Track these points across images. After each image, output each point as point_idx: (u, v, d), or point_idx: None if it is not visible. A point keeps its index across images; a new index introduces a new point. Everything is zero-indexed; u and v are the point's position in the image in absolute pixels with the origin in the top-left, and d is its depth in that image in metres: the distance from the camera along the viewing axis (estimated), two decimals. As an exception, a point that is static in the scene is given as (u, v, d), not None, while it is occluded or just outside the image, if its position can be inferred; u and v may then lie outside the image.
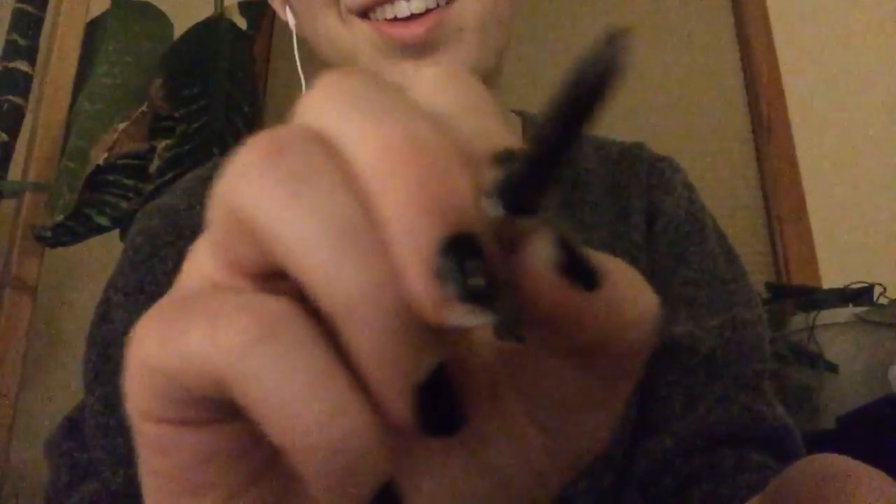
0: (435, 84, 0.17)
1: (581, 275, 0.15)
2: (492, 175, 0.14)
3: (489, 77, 0.48)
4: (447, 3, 0.43)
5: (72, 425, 0.47)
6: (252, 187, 0.14)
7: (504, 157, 0.15)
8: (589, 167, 0.55)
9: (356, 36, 0.44)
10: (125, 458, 0.43)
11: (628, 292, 0.16)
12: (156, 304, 0.16)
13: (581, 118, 0.13)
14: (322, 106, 0.15)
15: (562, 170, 0.14)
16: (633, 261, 0.49)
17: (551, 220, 0.15)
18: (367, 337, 0.13)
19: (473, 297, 0.13)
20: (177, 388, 0.15)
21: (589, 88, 0.12)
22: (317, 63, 0.52)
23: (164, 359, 0.15)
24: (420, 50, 0.43)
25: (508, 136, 0.16)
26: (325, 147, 0.15)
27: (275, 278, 0.15)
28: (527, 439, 0.18)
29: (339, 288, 0.13)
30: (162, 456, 0.16)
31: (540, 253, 0.15)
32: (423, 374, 0.14)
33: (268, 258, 0.14)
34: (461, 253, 0.13)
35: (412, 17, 0.42)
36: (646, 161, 0.56)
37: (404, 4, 0.42)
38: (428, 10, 0.42)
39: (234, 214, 0.15)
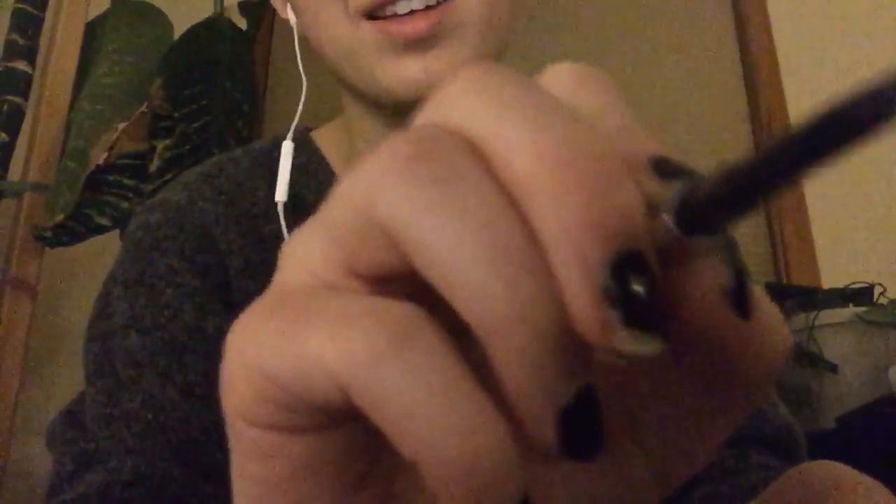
0: (574, 80, 0.15)
1: (742, 301, 0.14)
2: (665, 188, 0.13)
3: None
4: (447, 0, 0.43)
5: (72, 416, 0.47)
6: (395, 192, 0.13)
7: (668, 169, 0.14)
8: None
9: (360, 35, 0.44)
10: (132, 448, 0.43)
11: (772, 324, 0.15)
12: (258, 300, 0.15)
13: (824, 153, 0.11)
14: (467, 103, 0.14)
15: (766, 199, 0.12)
16: None
17: (726, 240, 0.14)
18: (516, 358, 0.13)
19: (645, 321, 0.12)
20: (289, 394, 0.14)
21: (847, 125, 0.11)
22: (317, 62, 0.52)
23: (277, 363, 0.14)
24: (422, 45, 0.43)
25: (654, 140, 0.15)
26: (473, 151, 0.13)
27: (390, 281, 0.14)
28: (629, 460, 0.18)
29: (491, 306, 0.12)
30: (261, 463, 0.15)
31: (713, 276, 0.14)
32: (571, 398, 0.13)
33: (397, 264, 0.13)
34: (630, 273, 0.12)
35: (414, 14, 0.43)
36: None
37: (404, 3, 0.43)
38: (429, 7, 0.43)
39: (369, 218, 0.13)
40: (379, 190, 0.13)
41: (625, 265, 0.12)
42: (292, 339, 0.14)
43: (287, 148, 0.54)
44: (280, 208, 0.52)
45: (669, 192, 0.13)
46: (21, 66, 1.18)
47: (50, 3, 1.23)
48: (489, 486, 0.13)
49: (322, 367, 0.13)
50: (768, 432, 0.45)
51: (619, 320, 0.12)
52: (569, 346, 0.13)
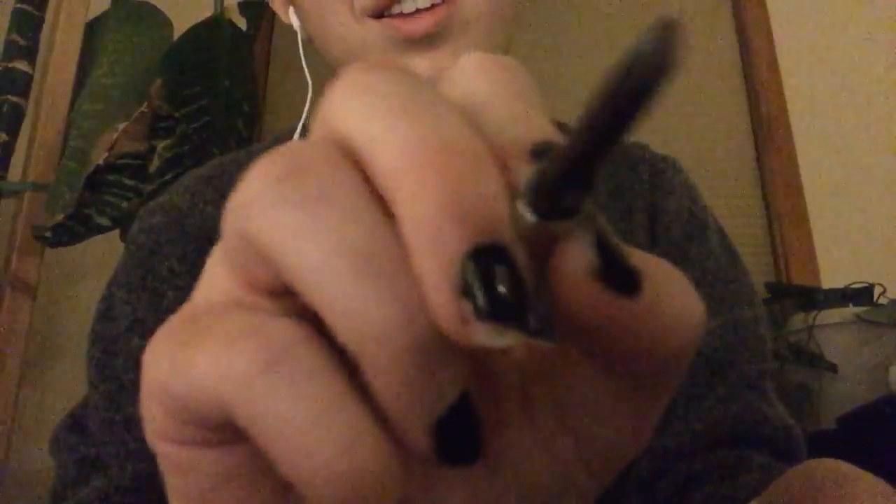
0: (476, 69, 0.15)
1: (621, 278, 0.13)
2: (527, 173, 0.13)
3: None
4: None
5: (75, 422, 0.47)
6: (264, 213, 0.13)
7: (542, 151, 0.14)
8: None
9: (367, 34, 0.44)
10: (133, 453, 0.43)
11: (672, 296, 0.14)
12: (168, 321, 0.15)
13: (628, 114, 0.11)
14: (344, 105, 0.14)
15: (601, 170, 0.12)
16: None
17: (588, 220, 0.13)
18: (387, 372, 0.13)
19: (502, 314, 0.12)
20: (188, 410, 0.14)
21: (640, 80, 0.11)
22: (320, 64, 0.52)
23: (174, 382, 0.14)
24: (427, 43, 0.44)
25: (550, 126, 0.15)
26: (346, 160, 0.13)
27: (295, 294, 0.14)
28: (557, 445, 0.17)
29: (357, 322, 0.12)
30: (181, 476, 0.16)
31: (576, 257, 0.13)
32: (446, 407, 0.13)
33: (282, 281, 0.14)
34: (489, 264, 0.12)
35: (419, 13, 0.43)
36: (648, 161, 0.56)
37: (410, 2, 0.43)
38: (433, 6, 0.43)
39: (247, 238, 0.14)
40: (249, 214, 0.13)
41: (485, 256, 0.12)
42: (183, 360, 0.14)
43: None
44: None
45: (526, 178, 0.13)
46: (21, 66, 1.18)
47: (50, 3, 1.23)
48: (365, 501, 0.13)
49: (205, 387, 0.13)
50: (768, 433, 0.45)
51: (472, 313, 0.12)
52: (439, 354, 0.13)
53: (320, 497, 0.13)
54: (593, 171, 0.12)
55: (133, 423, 0.44)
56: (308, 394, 0.13)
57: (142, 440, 0.44)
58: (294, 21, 0.53)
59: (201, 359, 0.13)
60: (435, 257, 0.12)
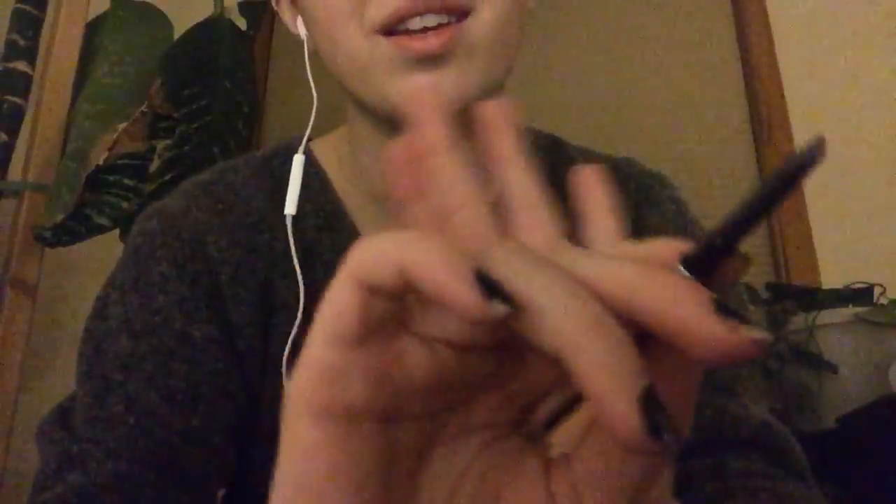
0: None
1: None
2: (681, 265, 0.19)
3: (495, 90, 0.49)
4: (458, 21, 0.44)
5: (63, 414, 0.48)
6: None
7: (685, 260, 0.19)
8: None
9: (374, 50, 0.45)
10: (113, 452, 0.44)
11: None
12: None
13: (772, 208, 0.18)
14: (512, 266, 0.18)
15: (737, 253, 0.18)
16: None
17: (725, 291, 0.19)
18: (597, 364, 0.17)
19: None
20: (377, 285, 0.18)
21: (784, 187, 0.17)
22: (320, 73, 0.52)
23: (368, 263, 0.18)
24: (433, 62, 0.44)
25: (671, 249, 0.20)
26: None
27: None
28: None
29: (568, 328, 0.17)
30: (305, 459, 0.18)
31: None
32: (643, 386, 0.16)
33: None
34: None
35: (426, 31, 0.43)
36: (635, 177, 0.56)
37: (417, 20, 0.43)
38: (441, 25, 0.43)
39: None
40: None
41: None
42: (373, 247, 0.18)
43: (298, 162, 0.55)
44: (288, 222, 0.53)
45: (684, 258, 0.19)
46: (21, 66, 1.17)
47: (50, 3, 1.23)
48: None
49: (388, 256, 0.18)
50: (745, 435, 0.45)
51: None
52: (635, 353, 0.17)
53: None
54: (736, 246, 0.18)
55: (114, 422, 0.45)
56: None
57: (120, 439, 0.45)
58: (301, 31, 0.53)
59: (381, 243, 0.18)
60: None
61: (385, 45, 0.44)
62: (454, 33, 0.43)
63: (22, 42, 1.18)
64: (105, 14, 1.29)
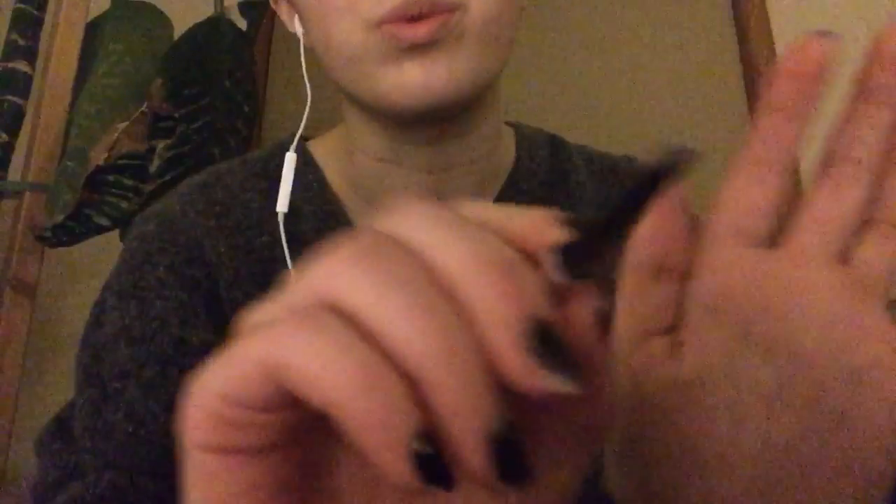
0: (482, 208, 0.20)
1: (604, 323, 0.19)
2: (552, 258, 0.19)
3: (488, 86, 0.49)
4: (449, 10, 0.44)
5: (61, 424, 0.48)
6: (346, 278, 0.17)
7: (557, 249, 0.19)
8: (580, 180, 0.55)
9: (367, 42, 0.45)
10: (111, 462, 0.43)
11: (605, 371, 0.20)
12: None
13: (638, 212, 0.18)
14: (404, 224, 0.18)
15: (615, 247, 0.18)
16: None
17: (600, 282, 0.19)
18: (444, 384, 0.16)
19: (565, 367, 0.17)
20: (233, 405, 0.17)
21: (648, 191, 0.17)
22: (318, 72, 0.52)
23: (225, 376, 0.17)
24: (423, 51, 0.44)
25: (547, 230, 0.19)
26: (406, 248, 0.18)
27: None
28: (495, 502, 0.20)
29: (420, 344, 0.16)
30: (208, 486, 0.18)
31: (588, 304, 0.18)
32: (495, 428, 0.16)
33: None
34: (544, 333, 0.17)
35: (417, 18, 0.43)
36: None
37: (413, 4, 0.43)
38: (433, 12, 0.43)
39: (321, 299, 0.17)
40: (332, 278, 0.17)
41: (539, 327, 0.17)
42: (235, 352, 0.17)
43: (290, 160, 0.55)
44: (280, 219, 0.52)
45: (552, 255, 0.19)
46: (21, 66, 1.17)
47: (50, 3, 1.23)
48: (388, 421, 0.16)
49: (255, 357, 0.17)
50: None
51: (540, 364, 0.16)
52: (489, 385, 0.16)
53: (345, 421, 0.16)
54: (606, 248, 0.18)
55: (113, 432, 0.45)
56: (336, 340, 0.16)
57: (119, 449, 0.45)
58: (298, 29, 0.53)
59: (251, 340, 0.17)
60: (506, 326, 0.16)
61: (376, 36, 0.44)
62: (444, 22, 0.43)
63: (22, 42, 1.18)
64: (105, 14, 1.29)
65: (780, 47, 1.76)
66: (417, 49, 0.44)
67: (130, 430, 0.44)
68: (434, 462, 0.16)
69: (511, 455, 0.16)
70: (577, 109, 1.76)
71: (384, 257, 0.17)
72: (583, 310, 0.18)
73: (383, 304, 0.16)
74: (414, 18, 0.43)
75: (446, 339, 0.16)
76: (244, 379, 0.17)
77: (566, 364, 0.16)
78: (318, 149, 0.58)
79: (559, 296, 0.18)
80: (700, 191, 0.56)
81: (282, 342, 0.16)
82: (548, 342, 0.17)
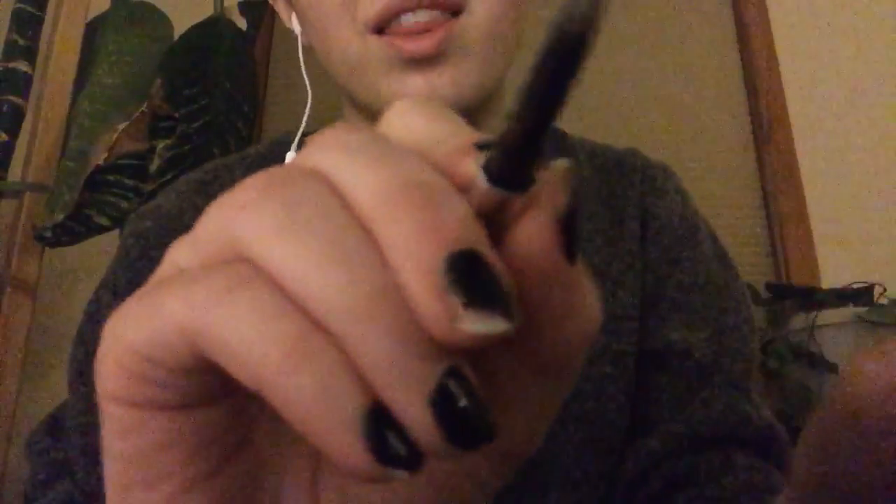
0: (407, 112, 0.18)
1: (569, 241, 0.16)
2: (481, 160, 0.15)
3: (493, 91, 0.48)
4: (452, 18, 0.43)
5: (53, 423, 0.48)
6: (251, 218, 0.15)
7: (484, 145, 0.16)
8: (584, 175, 0.55)
9: (367, 50, 0.44)
10: (101, 459, 0.43)
11: (587, 286, 0.17)
12: (131, 296, 0.17)
13: (562, 81, 0.13)
14: (321, 154, 0.16)
15: (546, 139, 0.14)
16: (629, 267, 0.49)
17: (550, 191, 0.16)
18: (371, 346, 0.14)
19: (490, 301, 0.14)
20: (149, 363, 0.15)
21: (567, 48, 0.13)
22: (318, 67, 0.52)
23: (139, 332, 0.15)
24: (428, 63, 0.43)
25: (473, 134, 0.17)
26: (322, 182, 0.16)
27: None
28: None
29: (337, 300, 0.14)
30: (124, 439, 0.17)
31: (539, 215, 0.15)
32: (437, 380, 0.14)
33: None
34: (469, 265, 0.14)
35: (419, 27, 0.43)
36: (639, 168, 0.56)
37: (410, 16, 0.43)
38: (433, 23, 0.43)
39: (229, 240, 0.15)
40: (238, 216, 0.15)
41: (462, 260, 0.14)
42: (152, 308, 0.15)
43: (289, 158, 0.54)
44: None
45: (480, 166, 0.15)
46: (21, 66, 1.17)
47: (50, 3, 1.23)
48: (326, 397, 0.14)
49: (171, 320, 0.15)
50: (750, 434, 0.45)
51: (462, 306, 0.14)
52: (422, 339, 0.14)
53: (284, 401, 0.14)
54: (540, 139, 0.14)
55: None
56: (261, 307, 0.14)
57: None
58: (295, 27, 0.53)
59: (168, 299, 0.15)
60: (419, 267, 0.14)
61: (377, 45, 0.44)
62: (447, 33, 0.43)
63: (22, 42, 1.18)
64: (105, 14, 1.29)
65: (780, 47, 1.76)
66: (422, 62, 0.43)
67: None
68: (392, 442, 0.14)
69: (464, 415, 0.14)
70: (577, 109, 1.76)
71: (294, 191, 0.15)
72: (538, 222, 0.15)
73: (291, 252, 0.14)
74: (411, 9, 0.42)
75: (363, 290, 0.14)
76: (161, 341, 0.15)
77: (496, 299, 0.14)
78: None
79: (506, 215, 0.16)
80: (700, 191, 0.56)
81: (199, 305, 0.14)
82: (473, 277, 0.14)
